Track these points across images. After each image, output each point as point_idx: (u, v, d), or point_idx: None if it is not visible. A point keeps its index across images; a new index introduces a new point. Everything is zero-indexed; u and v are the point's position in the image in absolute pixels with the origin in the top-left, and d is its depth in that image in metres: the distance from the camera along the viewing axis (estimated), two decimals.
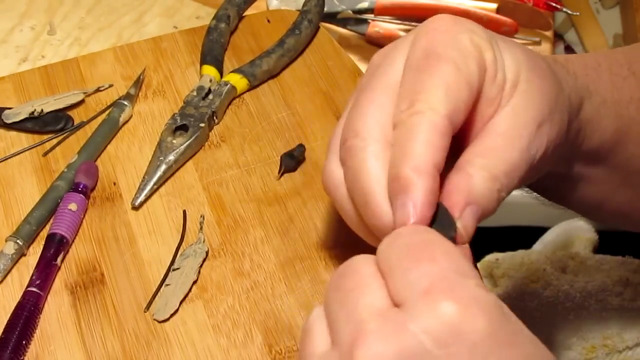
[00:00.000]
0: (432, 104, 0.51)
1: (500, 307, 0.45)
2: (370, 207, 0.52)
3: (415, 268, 0.45)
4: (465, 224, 0.52)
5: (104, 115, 0.75)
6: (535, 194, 0.70)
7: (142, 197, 0.69)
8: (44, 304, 0.64)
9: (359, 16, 1.07)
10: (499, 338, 0.44)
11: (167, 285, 0.65)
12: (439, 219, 0.51)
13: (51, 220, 0.67)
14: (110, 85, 0.77)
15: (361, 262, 0.48)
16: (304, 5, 0.82)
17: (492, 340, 0.43)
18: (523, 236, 1.15)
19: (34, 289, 0.63)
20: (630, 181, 0.65)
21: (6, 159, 0.72)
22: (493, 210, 0.53)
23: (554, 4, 1.14)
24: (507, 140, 0.53)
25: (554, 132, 0.55)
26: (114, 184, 0.71)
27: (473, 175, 0.52)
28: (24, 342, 0.61)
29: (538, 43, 1.11)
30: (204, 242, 0.67)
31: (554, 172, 0.63)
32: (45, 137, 0.74)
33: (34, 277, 0.64)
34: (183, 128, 0.73)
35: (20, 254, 0.66)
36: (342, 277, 0.48)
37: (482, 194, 0.52)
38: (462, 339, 0.43)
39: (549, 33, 1.13)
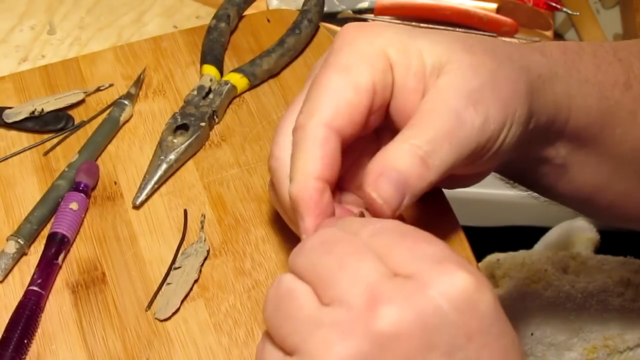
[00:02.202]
0: (311, 114, 0.54)
1: None
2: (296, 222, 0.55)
3: (417, 247, 0.47)
4: (380, 191, 0.53)
5: (104, 115, 0.75)
6: (531, 192, 0.70)
7: (143, 197, 0.69)
8: (45, 303, 0.64)
9: (359, 16, 1.07)
10: (498, 313, 0.47)
11: (168, 284, 0.64)
12: None
13: (52, 220, 0.67)
14: (111, 85, 0.77)
15: (346, 235, 0.49)
16: (304, 4, 0.82)
17: (495, 313, 0.46)
18: (524, 236, 1.15)
19: (35, 288, 0.63)
20: (623, 172, 0.65)
21: (7, 158, 0.72)
22: (425, 179, 0.54)
23: (554, 4, 1.14)
24: (429, 113, 0.54)
25: (500, 100, 0.55)
26: (115, 183, 0.71)
27: (388, 147, 0.54)
28: (25, 341, 0.61)
29: None
30: (205, 241, 0.67)
31: (544, 159, 0.63)
32: (46, 136, 0.74)
33: (35, 276, 0.64)
34: (184, 127, 0.73)
35: (22, 253, 0.66)
36: (333, 244, 0.48)
37: (400, 161, 0.53)
38: (474, 307, 0.45)
39: (549, 33, 1.13)
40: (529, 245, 1.10)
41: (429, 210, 0.66)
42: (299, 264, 0.49)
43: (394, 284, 0.46)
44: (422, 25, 1.03)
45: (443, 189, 0.68)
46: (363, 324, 0.45)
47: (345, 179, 0.59)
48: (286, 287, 0.48)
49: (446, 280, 0.45)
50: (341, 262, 0.47)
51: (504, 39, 1.10)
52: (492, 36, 1.09)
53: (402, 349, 0.45)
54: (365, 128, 0.56)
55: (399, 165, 0.53)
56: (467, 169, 0.57)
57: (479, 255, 0.95)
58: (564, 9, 1.15)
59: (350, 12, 1.07)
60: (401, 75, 0.55)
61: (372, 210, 0.54)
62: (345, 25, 0.58)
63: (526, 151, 0.62)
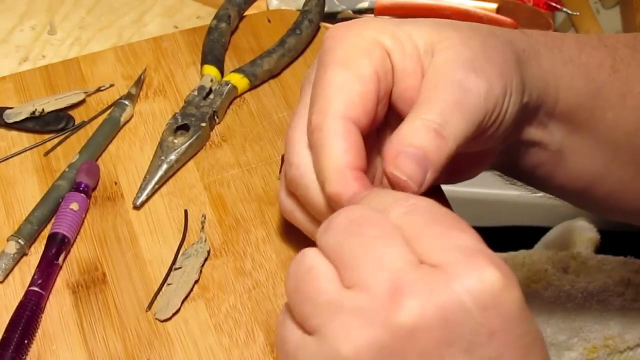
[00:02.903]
0: (325, 111, 0.54)
1: None
2: None
3: (449, 235, 0.46)
4: (402, 168, 0.53)
5: (105, 115, 0.75)
6: (530, 188, 0.70)
7: (143, 197, 0.69)
8: (45, 304, 0.64)
9: (359, 16, 1.07)
10: (523, 311, 0.45)
11: (168, 284, 0.64)
12: None
13: (53, 220, 0.67)
14: (111, 85, 0.77)
15: (375, 214, 0.48)
16: (304, 5, 0.82)
17: (520, 311, 0.45)
18: (524, 236, 1.15)
19: (35, 289, 0.63)
20: (618, 159, 0.65)
21: (7, 158, 0.72)
22: (443, 151, 0.53)
23: (554, 4, 1.14)
24: (434, 88, 0.55)
25: (497, 67, 0.56)
26: (115, 183, 0.71)
27: (401, 127, 0.54)
28: (26, 341, 0.61)
29: None
30: (205, 241, 0.67)
31: (540, 144, 0.63)
32: (47, 136, 0.74)
33: (35, 277, 0.64)
34: (184, 128, 0.73)
35: (22, 253, 0.66)
36: (360, 225, 0.47)
37: (416, 137, 0.53)
38: (499, 306, 0.44)
39: None
40: (529, 245, 1.10)
41: None
42: (324, 240, 0.48)
43: (418, 274, 0.45)
44: None
45: (443, 189, 0.68)
46: (384, 314, 0.44)
47: None
48: (309, 264, 0.48)
49: (473, 275, 0.44)
50: (367, 245, 0.46)
51: None
52: None
53: (422, 343, 0.44)
54: (375, 119, 0.56)
55: (416, 141, 0.53)
56: (474, 144, 0.57)
57: None
58: (564, 9, 1.15)
59: (351, 12, 1.07)
60: (398, 59, 0.56)
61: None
62: (331, 27, 0.58)
63: (521, 134, 0.62)
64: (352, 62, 0.55)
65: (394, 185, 0.53)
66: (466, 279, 0.44)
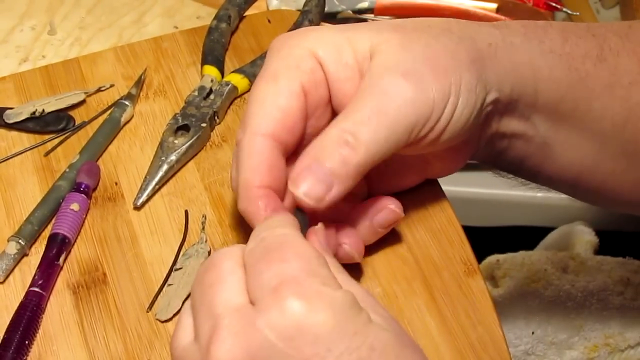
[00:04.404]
0: (245, 128, 0.55)
1: (348, 301, 0.46)
2: None
3: (267, 269, 0.47)
4: (299, 184, 0.53)
5: (105, 115, 0.75)
6: (524, 180, 0.69)
7: (144, 197, 0.69)
8: (46, 304, 0.64)
9: (359, 16, 1.07)
10: (343, 329, 0.45)
11: (169, 285, 0.64)
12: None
13: (53, 220, 0.67)
14: (112, 85, 0.77)
15: (222, 257, 0.49)
16: (304, 5, 0.82)
17: (335, 331, 0.45)
18: (524, 236, 1.15)
19: (36, 289, 0.63)
20: (607, 150, 0.64)
21: (7, 159, 0.72)
22: (351, 163, 0.53)
23: (554, 4, 1.14)
24: (359, 96, 0.55)
25: (438, 68, 0.55)
26: (116, 183, 0.71)
27: (317, 138, 0.54)
28: (26, 342, 0.61)
29: None
30: (206, 242, 0.67)
31: (524, 136, 0.63)
32: (47, 137, 0.74)
33: (36, 277, 0.64)
34: (184, 128, 0.73)
35: (23, 254, 0.66)
36: (204, 272, 0.49)
37: (324, 150, 0.53)
38: (305, 332, 0.45)
39: None
40: (529, 246, 1.10)
41: (429, 211, 0.66)
42: (191, 292, 0.50)
43: (232, 318, 0.46)
44: None
45: (444, 190, 0.68)
46: None
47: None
48: (180, 314, 0.51)
49: (274, 309, 0.45)
50: (203, 294, 0.48)
51: None
52: None
53: None
54: (305, 133, 0.57)
55: (322, 155, 0.53)
56: (418, 149, 0.57)
57: (479, 256, 0.96)
58: (564, 9, 1.15)
59: (350, 12, 1.07)
60: (332, 68, 0.56)
61: (303, 208, 0.54)
62: (277, 37, 0.59)
63: (501, 127, 0.61)
64: (279, 76, 0.56)
65: (297, 201, 0.54)
66: (267, 314, 0.45)
